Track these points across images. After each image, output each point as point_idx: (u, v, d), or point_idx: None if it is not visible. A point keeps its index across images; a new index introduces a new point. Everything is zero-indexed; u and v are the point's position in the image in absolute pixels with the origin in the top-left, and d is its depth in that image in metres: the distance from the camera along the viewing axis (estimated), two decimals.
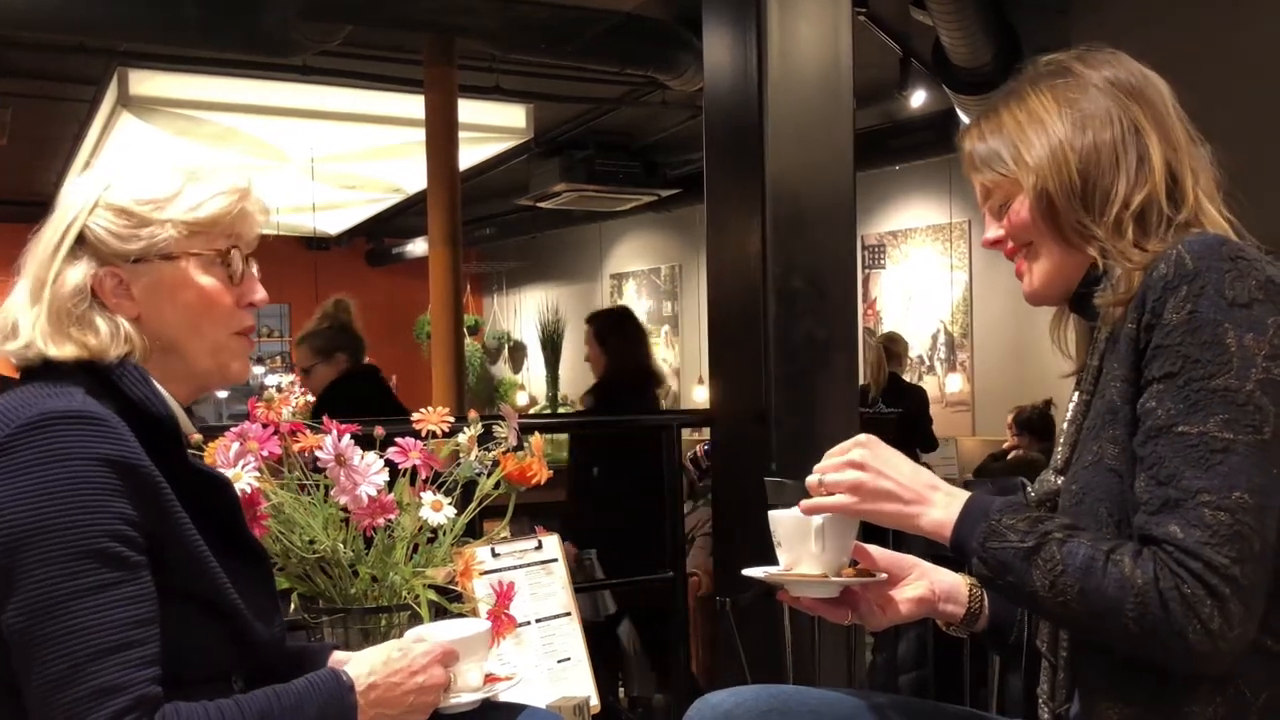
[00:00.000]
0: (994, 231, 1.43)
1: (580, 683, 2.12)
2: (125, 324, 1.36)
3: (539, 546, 2.18)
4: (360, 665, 1.35)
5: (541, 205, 10.03)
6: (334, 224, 11.46)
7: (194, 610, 1.29)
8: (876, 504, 1.34)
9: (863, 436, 1.39)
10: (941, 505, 1.32)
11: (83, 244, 1.37)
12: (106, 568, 1.18)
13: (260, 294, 1.46)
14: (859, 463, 1.35)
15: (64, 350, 1.31)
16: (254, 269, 1.47)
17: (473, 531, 1.98)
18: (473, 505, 1.88)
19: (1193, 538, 1.15)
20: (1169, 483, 1.18)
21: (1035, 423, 6.48)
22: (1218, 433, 1.17)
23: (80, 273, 1.35)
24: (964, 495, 1.33)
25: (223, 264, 1.41)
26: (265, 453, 1.68)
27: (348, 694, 1.30)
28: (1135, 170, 1.32)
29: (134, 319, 1.37)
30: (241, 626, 1.33)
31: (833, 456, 1.38)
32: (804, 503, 1.39)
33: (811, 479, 1.38)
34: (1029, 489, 1.42)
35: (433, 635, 1.44)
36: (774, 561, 1.48)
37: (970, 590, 1.51)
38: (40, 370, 1.32)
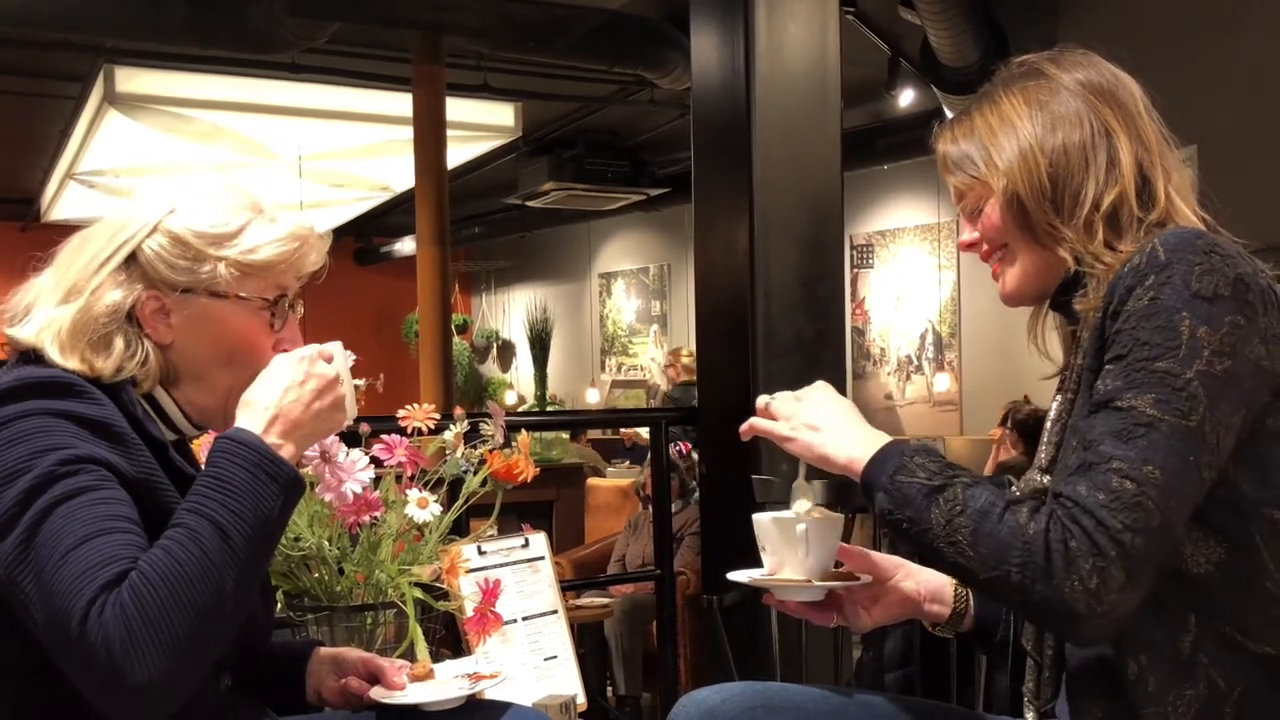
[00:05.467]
0: (968, 234, 1.44)
1: (567, 681, 2.12)
2: (149, 347, 1.35)
3: (526, 544, 2.18)
4: (252, 406, 1.31)
5: (530, 204, 10.03)
6: (322, 222, 11.37)
7: None
8: (801, 434, 1.35)
9: (820, 383, 1.41)
10: (861, 443, 1.33)
11: (133, 263, 1.35)
12: (75, 478, 1.19)
13: (297, 341, 1.44)
14: (800, 397, 1.38)
15: (67, 362, 1.30)
16: (299, 309, 1.46)
17: (459, 529, 1.98)
18: (459, 503, 1.88)
19: (1095, 499, 1.16)
20: (1090, 449, 1.20)
21: (1024, 424, 6.47)
22: (1146, 409, 1.18)
23: (121, 293, 1.34)
24: (887, 438, 1.34)
25: (267, 309, 1.41)
26: None
27: (255, 442, 1.26)
28: (1105, 172, 1.32)
29: (165, 345, 1.36)
30: None
31: (788, 391, 1.40)
32: (743, 426, 1.41)
33: (760, 399, 1.40)
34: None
35: (297, 354, 1.37)
36: (760, 561, 1.48)
37: (955, 590, 1.51)
38: (32, 359, 1.32)
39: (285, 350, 1.42)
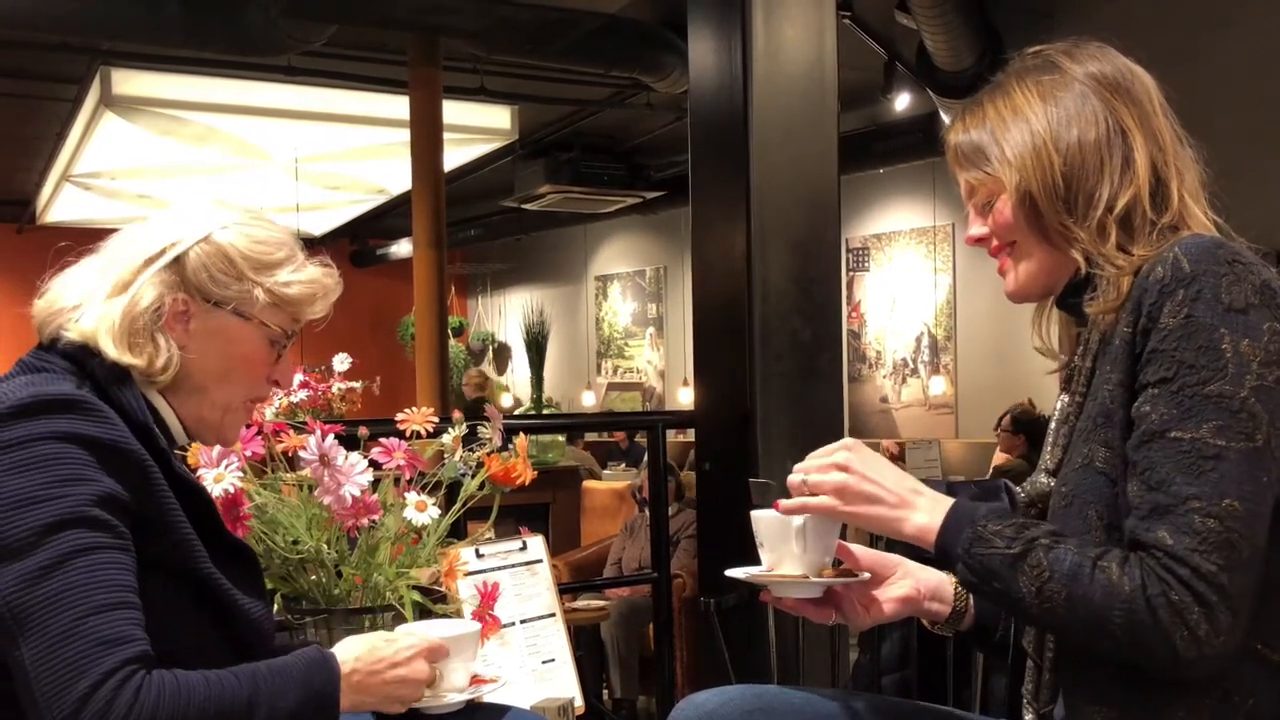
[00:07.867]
0: (978, 229, 1.41)
1: (565, 684, 2.12)
2: (175, 349, 1.38)
3: (524, 547, 2.18)
4: (346, 650, 1.36)
5: (526, 207, 10.03)
6: (318, 225, 11.43)
7: (184, 587, 1.31)
8: (860, 507, 1.32)
9: (847, 440, 1.38)
10: (925, 510, 1.31)
11: (176, 265, 1.39)
12: (95, 531, 1.20)
13: (289, 378, 1.51)
14: (844, 465, 1.33)
15: (123, 356, 1.33)
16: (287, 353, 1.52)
17: (457, 532, 1.97)
18: (457, 506, 1.88)
19: (1182, 544, 1.15)
20: (1160, 488, 1.17)
21: (1024, 424, 6.49)
22: (1210, 439, 1.16)
23: (160, 291, 1.37)
24: (948, 501, 1.32)
25: (282, 340, 1.46)
26: (249, 453, 1.68)
27: (333, 668, 1.32)
28: (1120, 173, 1.30)
29: (179, 349, 1.39)
30: (227, 602, 1.34)
31: (817, 458, 1.36)
32: (785, 502, 1.37)
33: (794, 478, 1.36)
34: (1015, 490, 1.42)
35: (422, 633, 1.45)
36: (757, 563, 1.48)
37: (955, 589, 1.50)
38: (65, 353, 1.33)
39: (277, 381, 1.47)
